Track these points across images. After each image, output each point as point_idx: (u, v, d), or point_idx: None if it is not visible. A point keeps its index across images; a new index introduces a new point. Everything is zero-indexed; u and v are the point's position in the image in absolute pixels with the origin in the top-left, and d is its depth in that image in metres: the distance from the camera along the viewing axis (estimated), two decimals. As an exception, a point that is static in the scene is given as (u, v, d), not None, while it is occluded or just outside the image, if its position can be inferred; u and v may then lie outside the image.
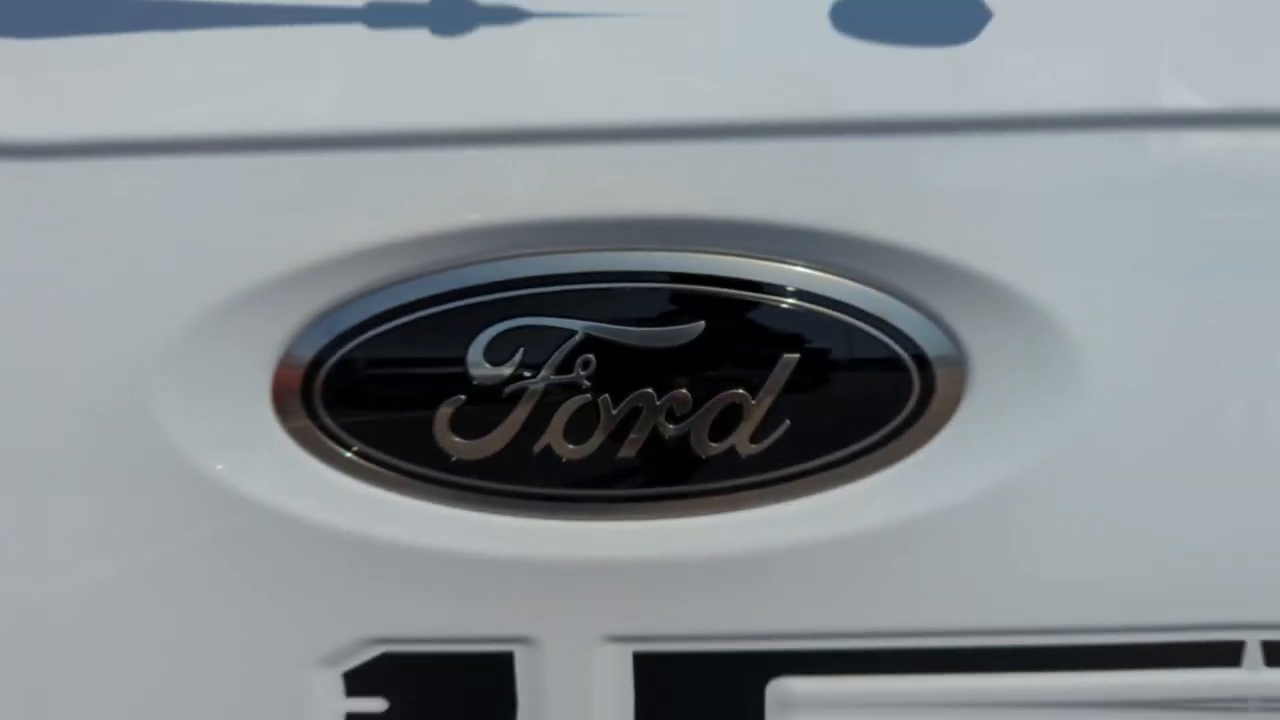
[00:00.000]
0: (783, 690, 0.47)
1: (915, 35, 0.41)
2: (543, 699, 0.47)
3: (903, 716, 0.46)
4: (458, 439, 0.43)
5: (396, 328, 0.43)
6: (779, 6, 0.42)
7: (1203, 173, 0.42)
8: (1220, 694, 0.45)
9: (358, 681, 0.47)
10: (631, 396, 0.43)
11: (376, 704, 0.48)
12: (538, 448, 0.43)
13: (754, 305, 0.43)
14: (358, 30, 0.42)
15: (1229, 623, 0.45)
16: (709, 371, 0.43)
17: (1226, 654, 0.45)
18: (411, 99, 0.42)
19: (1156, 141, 0.42)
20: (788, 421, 0.43)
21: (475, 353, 0.42)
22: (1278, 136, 0.42)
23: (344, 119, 0.41)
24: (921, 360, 0.43)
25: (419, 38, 0.41)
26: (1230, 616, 0.45)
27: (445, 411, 0.43)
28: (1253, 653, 0.45)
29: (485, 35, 0.42)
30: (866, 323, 0.42)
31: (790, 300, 0.43)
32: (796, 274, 0.43)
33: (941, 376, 0.43)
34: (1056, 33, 0.42)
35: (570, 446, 0.43)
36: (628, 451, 0.43)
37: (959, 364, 0.43)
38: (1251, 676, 0.45)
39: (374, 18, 0.42)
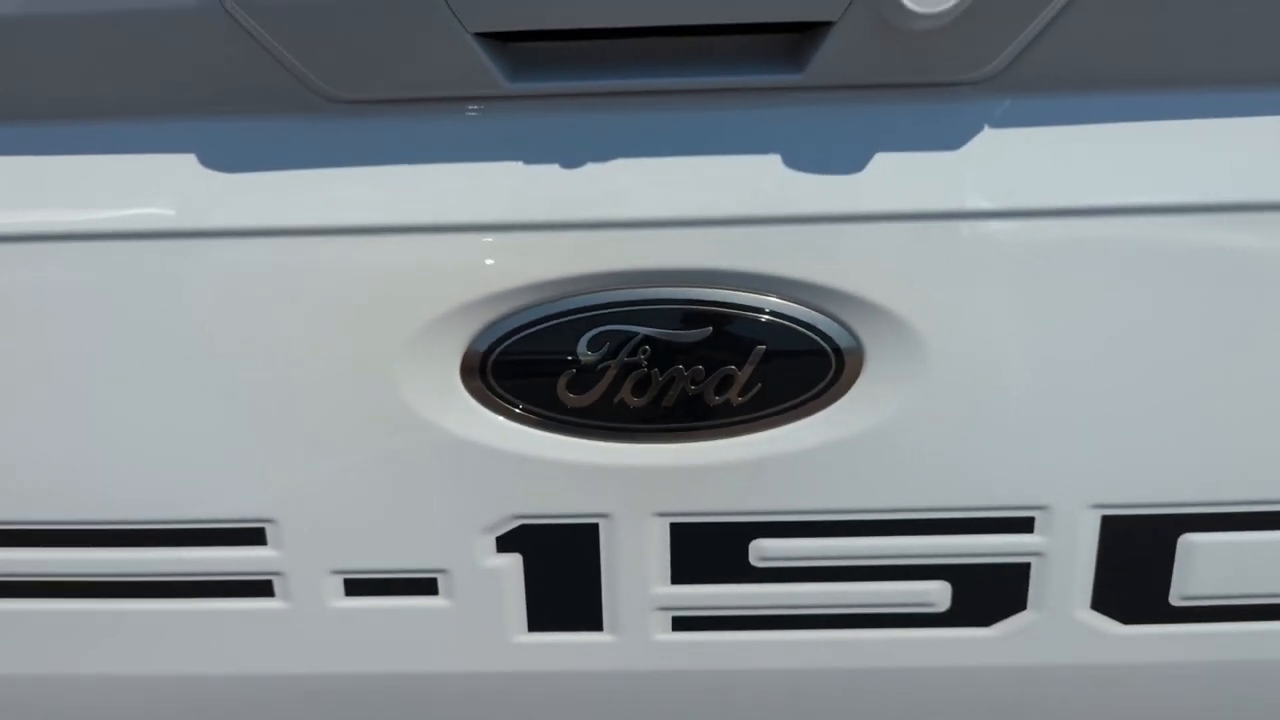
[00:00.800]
0: (760, 547, 0.78)
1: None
2: (615, 553, 0.78)
3: (830, 561, 0.78)
4: (570, 394, 0.74)
5: (535, 331, 0.74)
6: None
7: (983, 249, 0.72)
8: (1007, 549, 0.77)
9: (504, 543, 0.79)
10: (669, 370, 0.74)
11: (516, 558, 0.79)
12: (615, 400, 0.74)
13: (741, 319, 0.73)
14: (509, 166, 0.73)
15: (1020, 504, 0.76)
16: (714, 356, 0.74)
17: (1020, 525, 0.77)
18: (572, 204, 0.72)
19: (940, 228, 0.72)
20: (760, 384, 0.74)
21: (581, 346, 0.73)
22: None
23: (513, 215, 0.72)
24: (837, 350, 0.73)
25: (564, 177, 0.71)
26: (1019, 499, 0.76)
27: (563, 379, 0.74)
28: (1036, 523, 0.76)
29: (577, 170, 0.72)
30: (806, 329, 0.73)
31: (764, 316, 0.73)
32: (769, 301, 0.73)
33: (849, 360, 0.74)
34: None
35: (634, 399, 0.74)
36: (667, 402, 0.74)
37: (859, 352, 0.74)
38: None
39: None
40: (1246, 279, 0.71)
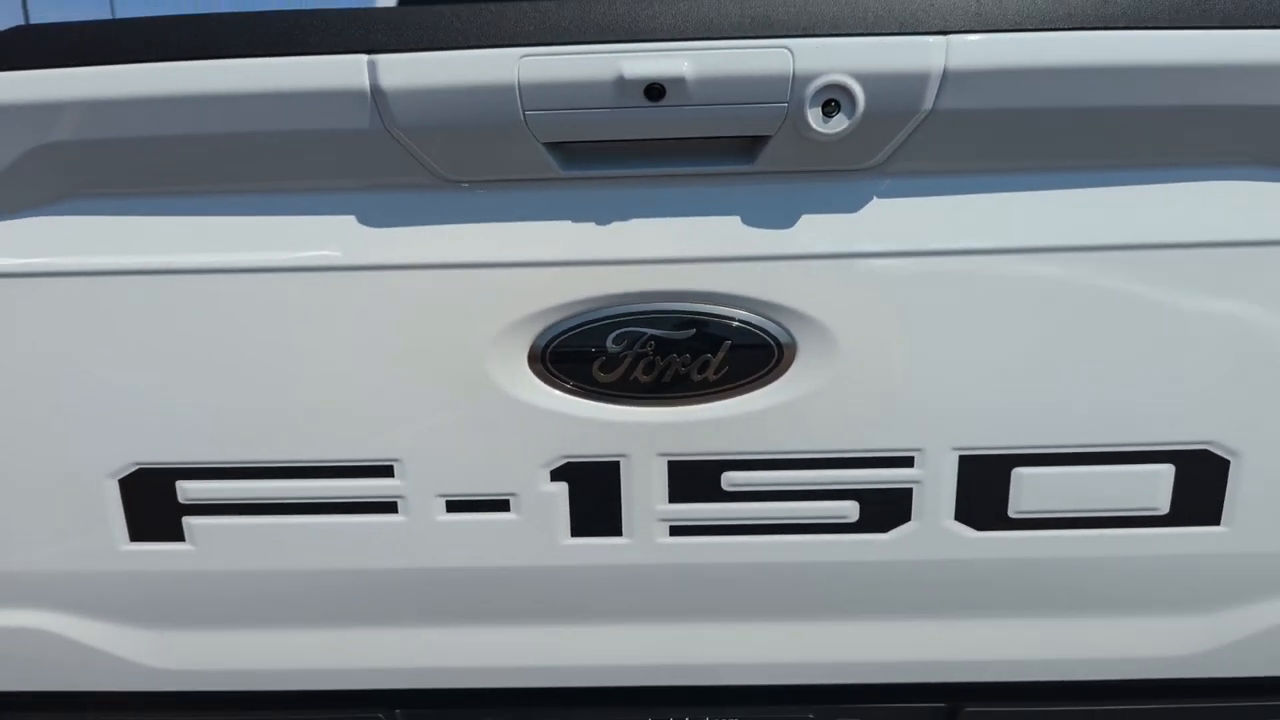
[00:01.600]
0: (729, 477, 1.15)
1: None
2: (632, 482, 1.16)
3: (777, 487, 1.15)
4: (601, 374, 1.11)
5: (578, 332, 1.11)
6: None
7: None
8: (896, 479, 1.14)
9: (555, 475, 1.16)
10: (667, 358, 1.11)
11: (563, 486, 1.16)
12: (631, 378, 1.11)
13: (715, 324, 1.10)
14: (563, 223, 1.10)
15: (903, 447, 1.13)
16: (697, 348, 1.11)
17: (904, 461, 1.14)
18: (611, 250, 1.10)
19: (842, 267, 1.09)
20: (727, 367, 1.11)
21: (608, 342, 1.10)
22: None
23: (564, 255, 1.09)
24: (779, 345, 1.10)
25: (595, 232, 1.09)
26: (903, 444, 1.13)
27: (596, 364, 1.11)
28: (915, 460, 1.13)
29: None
30: (758, 331, 1.10)
31: (732, 323, 1.10)
32: (735, 312, 1.10)
33: (786, 351, 1.11)
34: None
35: (644, 377, 1.11)
36: (666, 380, 1.12)
37: (794, 346, 1.11)
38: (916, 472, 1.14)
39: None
40: (1053, 295, 1.08)
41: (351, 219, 1.10)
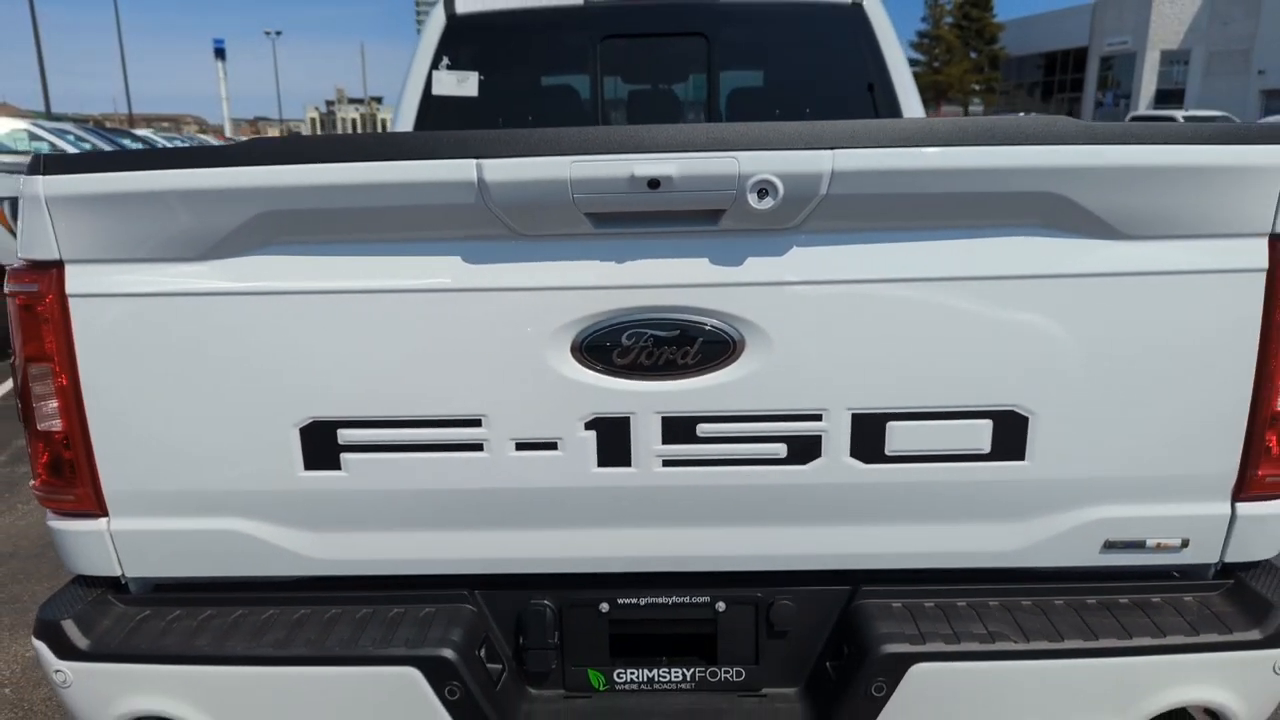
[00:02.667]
0: (701, 428, 1.75)
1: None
2: (637, 430, 1.76)
3: (732, 434, 1.75)
4: (618, 360, 1.71)
5: (603, 332, 1.71)
6: None
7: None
8: (810, 430, 1.74)
9: (588, 426, 1.76)
10: (661, 349, 1.71)
11: (593, 433, 1.76)
12: (637, 362, 1.71)
13: (692, 326, 1.70)
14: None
15: (815, 408, 1.73)
16: (680, 342, 1.71)
17: (816, 417, 1.74)
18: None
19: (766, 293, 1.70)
20: (700, 355, 1.71)
21: (623, 338, 1.70)
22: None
23: (594, 282, 1.69)
24: (733, 340, 1.70)
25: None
26: (814, 406, 1.73)
27: (615, 352, 1.71)
28: (823, 417, 1.74)
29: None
30: (720, 331, 1.70)
31: (706, 326, 1.70)
32: (706, 320, 1.70)
33: (738, 344, 1.71)
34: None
35: (646, 361, 1.71)
36: (660, 363, 1.72)
37: (743, 341, 1.71)
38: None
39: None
40: (912, 309, 1.68)
41: (458, 258, 1.70)
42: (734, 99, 4.09)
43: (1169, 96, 47.63)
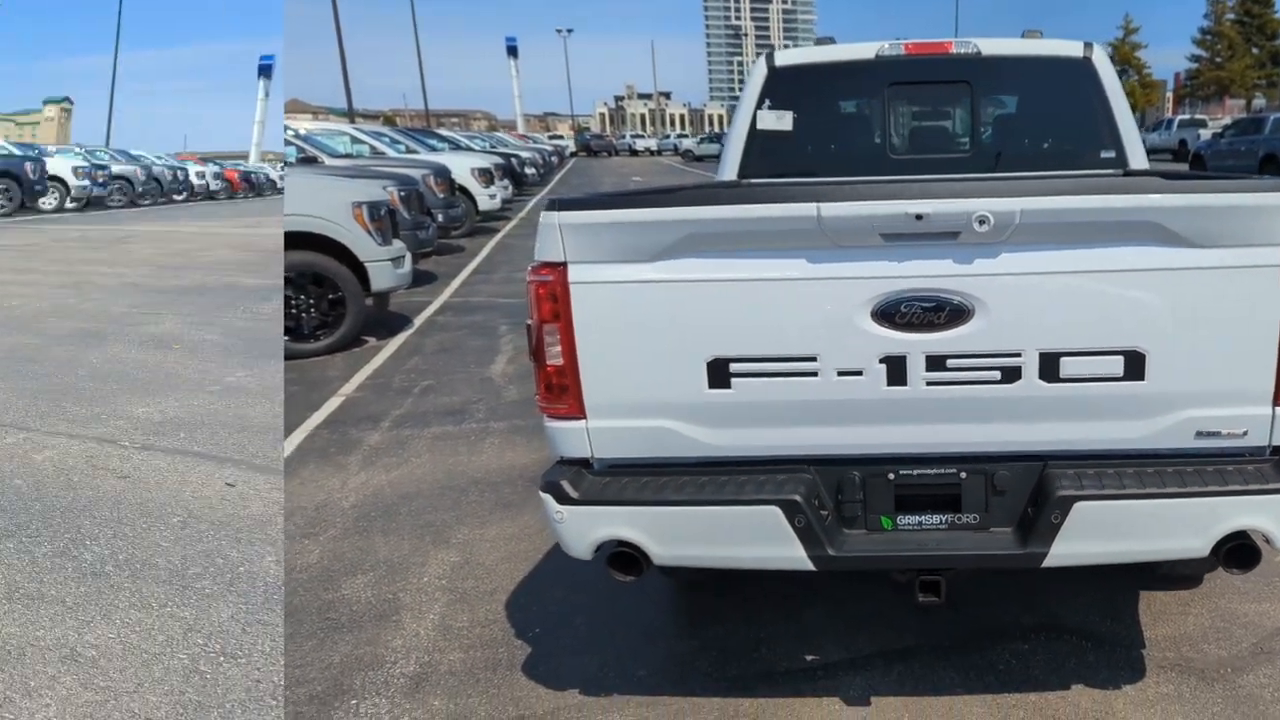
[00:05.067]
0: (950, 363, 2.94)
1: None
2: (912, 363, 2.96)
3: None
4: (898, 320, 2.94)
5: (888, 303, 2.94)
6: None
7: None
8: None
9: (880, 361, 2.96)
10: (924, 314, 2.93)
11: (885, 366, 2.97)
12: (907, 321, 2.94)
13: (942, 300, 2.93)
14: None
15: (1012, 349, 2.92)
16: (935, 311, 2.93)
17: (1013, 354, 2.92)
18: None
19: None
20: (948, 317, 2.92)
21: (901, 308, 2.93)
22: None
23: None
24: (969, 309, 2.92)
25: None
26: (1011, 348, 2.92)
27: (895, 316, 2.94)
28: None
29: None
30: (961, 305, 2.92)
31: (952, 302, 2.92)
32: (952, 298, 2.93)
33: (970, 311, 2.92)
34: None
35: (915, 320, 2.94)
36: (924, 323, 2.94)
37: (973, 310, 2.92)
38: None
39: None
40: (1077, 286, 2.88)
41: (803, 260, 2.96)
42: (991, 130, 5.66)
43: None
